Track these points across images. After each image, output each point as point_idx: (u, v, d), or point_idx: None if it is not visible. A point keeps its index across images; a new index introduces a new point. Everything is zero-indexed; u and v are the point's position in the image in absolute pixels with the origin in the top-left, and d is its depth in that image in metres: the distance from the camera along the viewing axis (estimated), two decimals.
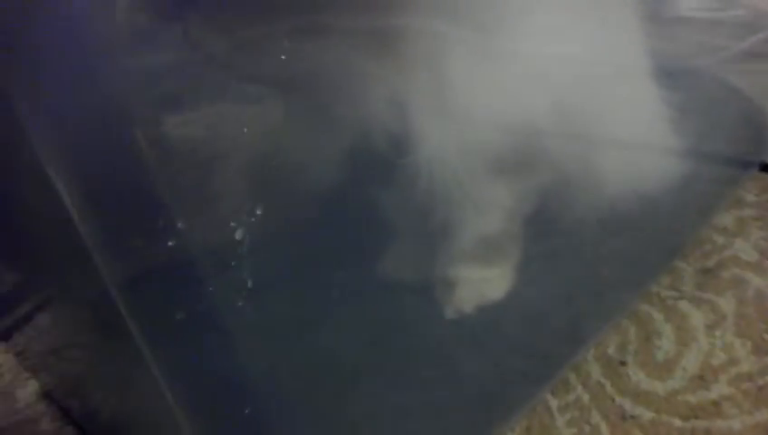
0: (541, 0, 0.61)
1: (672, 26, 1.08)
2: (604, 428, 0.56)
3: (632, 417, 0.56)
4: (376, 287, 0.59)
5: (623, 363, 0.61)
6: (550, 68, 0.59)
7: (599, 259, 0.67)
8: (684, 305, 0.65)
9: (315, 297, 0.52)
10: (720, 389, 0.56)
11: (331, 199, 0.56)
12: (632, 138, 0.70)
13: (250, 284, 0.38)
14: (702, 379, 0.58)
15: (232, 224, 0.37)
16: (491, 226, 0.60)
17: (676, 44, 1.03)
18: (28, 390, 0.71)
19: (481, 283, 0.60)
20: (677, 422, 0.55)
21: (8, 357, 0.74)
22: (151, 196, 0.35)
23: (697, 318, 0.63)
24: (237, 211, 0.38)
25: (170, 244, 0.35)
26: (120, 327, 0.38)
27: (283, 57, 0.47)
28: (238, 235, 0.38)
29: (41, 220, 0.40)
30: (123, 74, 0.38)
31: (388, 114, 0.53)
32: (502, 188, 0.59)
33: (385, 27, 0.51)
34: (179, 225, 0.35)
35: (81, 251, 0.36)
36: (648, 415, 0.56)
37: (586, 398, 0.59)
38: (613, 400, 0.58)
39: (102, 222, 0.34)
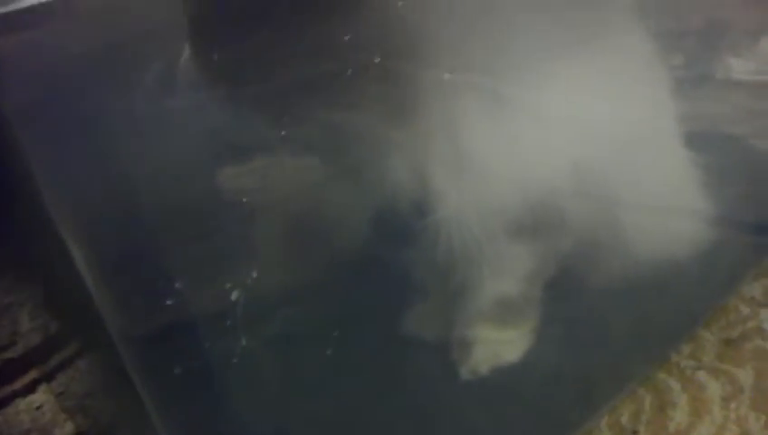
0: (572, 62, 0.62)
1: (721, 89, 1.09)
2: None
3: None
4: (393, 344, 0.61)
5: (635, 433, 0.60)
6: (576, 128, 0.61)
7: (618, 324, 0.67)
8: (702, 376, 0.64)
9: (327, 353, 0.54)
10: None
11: (354, 259, 0.59)
12: (662, 201, 0.70)
13: (244, 342, 0.41)
14: None
15: (227, 285, 0.40)
16: (508, 288, 0.60)
17: (722, 108, 1.03)
18: (65, 430, 0.74)
19: (497, 344, 0.61)
20: None
21: (49, 398, 0.78)
22: (152, 257, 0.38)
23: (714, 389, 0.62)
24: (233, 273, 0.40)
25: (168, 303, 0.38)
26: (128, 379, 0.41)
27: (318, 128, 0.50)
28: (234, 295, 0.40)
29: (61, 277, 0.43)
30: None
31: (410, 178, 0.56)
32: (521, 251, 0.60)
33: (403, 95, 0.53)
34: (177, 285, 0.37)
35: (92, 307, 0.39)
36: None
37: None
38: None
39: (108, 281, 0.37)
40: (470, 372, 0.60)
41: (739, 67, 1.12)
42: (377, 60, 0.45)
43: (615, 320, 0.67)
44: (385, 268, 0.59)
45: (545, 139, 0.59)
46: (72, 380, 0.73)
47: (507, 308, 0.61)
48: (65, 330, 0.68)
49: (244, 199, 0.42)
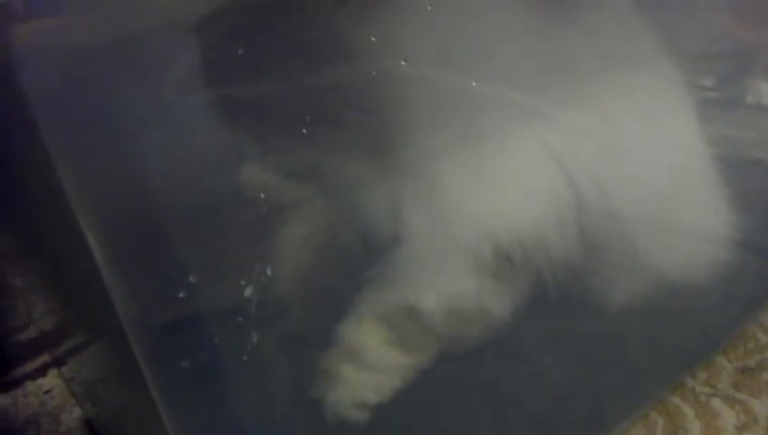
0: (602, 79, 0.61)
1: (751, 114, 1.07)
2: None
3: None
4: None
5: None
6: (600, 145, 0.60)
7: (634, 345, 0.67)
8: (716, 403, 0.63)
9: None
10: None
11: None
12: (684, 223, 0.69)
13: (255, 339, 0.41)
14: None
15: (242, 282, 0.40)
16: (423, 304, 0.55)
17: (750, 133, 1.02)
18: (72, 415, 0.75)
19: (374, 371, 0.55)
20: None
21: (59, 382, 0.78)
22: (167, 249, 0.38)
23: (728, 418, 0.61)
24: (248, 270, 0.40)
25: (181, 295, 0.38)
26: (136, 368, 0.41)
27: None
28: (247, 292, 0.40)
29: (76, 264, 0.43)
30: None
31: (383, 213, 0.54)
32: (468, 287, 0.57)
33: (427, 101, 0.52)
34: (191, 278, 0.37)
35: (105, 295, 0.39)
36: None
37: None
38: None
39: (123, 270, 0.37)
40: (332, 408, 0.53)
41: None
42: (402, 63, 0.45)
43: (631, 341, 0.66)
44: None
45: (568, 153, 0.58)
46: (82, 366, 0.74)
47: (408, 321, 0.55)
48: (78, 316, 0.69)
49: (263, 196, 0.42)
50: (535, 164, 0.57)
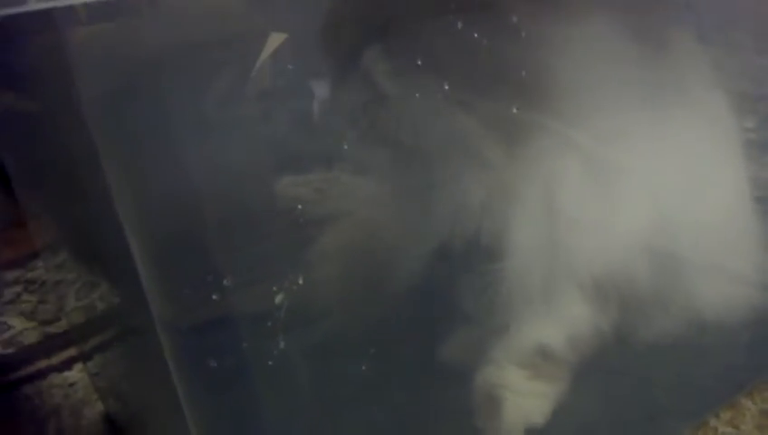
0: (647, 117, 0.61)
1: None
2: None
3: None
4: (427, 371, 0.61)
5: None
6: (646, 184, 0.60)
7: (659, 382, 0.66)
8: None
9: (361, 369, 0.54)
10: None
11: (403, 281, 0.59)
12: (719, 263, 0.69)
13: (282, 345, 0.41)
14: None
15: (274, 288, 0.41)
16: (552, 340, 0.59)
17: None
18: (95, 410, 0.76)
19: (526, 397, 0.59)
20: None
21: (84, 376, 0.80)
22: (204, 252, 0.39)
23: None
24: (280, 278, 0.41)
25: (215, 298, 0.38)
26: (163, 367, 0.42)
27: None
28: (278, 299, 0.41)
29: (113, 261, 0.44)
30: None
31: (487, 210, 0.55)
32: (584, 313, 0.59)
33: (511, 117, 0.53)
34: (225, 282, 0.38)
35: (139, 293, 0.40)
36: None
37: None
38: None
39: (159, 270, 0.38)
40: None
41: None
42: (446, 87, 0.46)
43: (657, 378, 0.66)
44: (433, 293, 0.59)
45: (624, 194, 0.58)
46: (108, 361, 0.75)
47: (544, 359, 0.59)
48: (110, 311, 0.70)
49: (299, 207, 0.42)
50: (634, 201, 0.58)
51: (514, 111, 0.49)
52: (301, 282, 0.42)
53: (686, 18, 0.81)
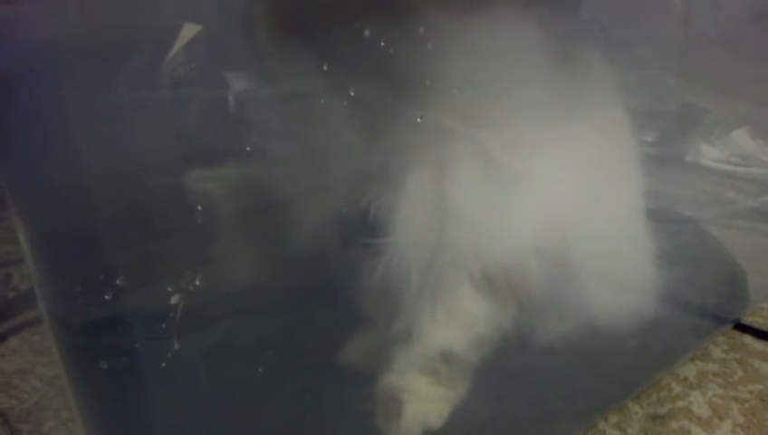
0: (550, 126, 0.63)
1: (690, 173, 1.12)
2: None
3: None
4: (325, 372, 0.61)
5: None
6: (545, 190, 0.62)
7: (551, 384, 0.68)
8: None
9: (257, 371, 0.54)
10: None
11: (306, 281, 0.59)
12: (611, 271, 0.72)
13: (176, 346, 0.41)
14: None
15: (169, 289, 0.40)
16: (453, 343, 0.60)
17: (686, 190, 1.06)
18: None
19: (426, 401, 0.60)
20: None
21: None
22: (98, 249, 0.38)
23: None
24: (177, 278, 0.41)
25: (107, 297, 0.38)
26: (56, 366, 0.41)
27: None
28: (173, 300, 0.41)
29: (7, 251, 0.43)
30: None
31: (378, 206, 0.56)
32: (476, 310, 0.60)
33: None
34: (118, 281, 0.38)
35: (32, 289, 0.39)
36: None
37: None
38: None
39: (50, 266, 0.37)
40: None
41: (709, 154, 1.16)
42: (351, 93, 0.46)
43: (549, 380, 0.68)
44: (337, 295, 0.59)
45: (519, 197, 0.60)
46: (2, 356, 0.73)
47: (446, 364, 0.60)
48: (4, 305, 0.68)
49: (199, 207, 0.42)
50: (527, 204, 0.60)
51: (418, 119, 0.50)
52: (198, 283, 0.42)
53: (594, 35, 0.84)
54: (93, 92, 0.40)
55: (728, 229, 0.95)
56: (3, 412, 0.71)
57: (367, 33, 0.45)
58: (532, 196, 0.58)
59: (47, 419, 0.63)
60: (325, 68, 0.45)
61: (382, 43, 0.46)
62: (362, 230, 0.53)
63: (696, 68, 1.06)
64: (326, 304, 0.62)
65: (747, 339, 0.80)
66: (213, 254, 0.48)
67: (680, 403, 0.71)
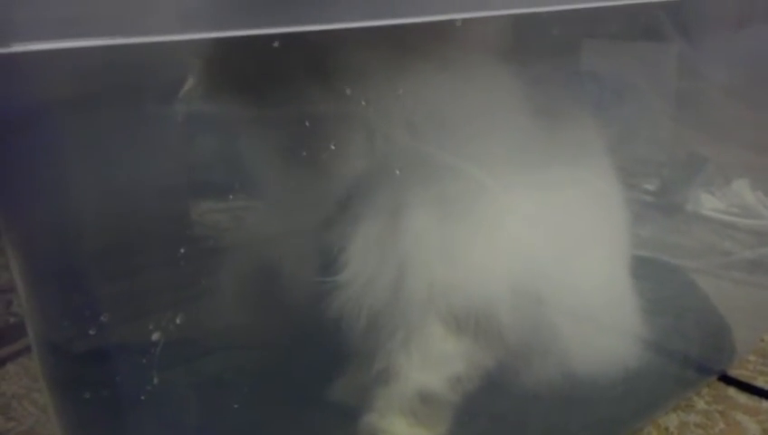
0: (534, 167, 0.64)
1: (687, 222, 1.12)
2: None
3: None
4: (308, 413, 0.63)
5: None
6: (526, 232, 0.63)
7: (532, 430, 0.70)
8: None
9: (234, 407, 0.55)
10: None
11: (296, 320, 0.61)
12: (597, 317, 0.73)
13: (156, 381, 0.43)
14: None
15: (150, 326, 0.43)
16: (430, 383, 0.61)
17: (684, 239, 1.07)
18: None
19: None
20: None
21: None
22: (85, 284, 0.40)
23: None
24: (158, 315, 0.43)
25: (91, 332, 0.40)
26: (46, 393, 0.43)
27: None
28: (154, 337, 0.43)
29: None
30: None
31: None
32: (452, 349, 0.61)
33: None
34: (102, 317, 0.40)
35: (25, 317, 0.41)
36: None
37: None
38: None
39: (38, 293, 0.39)
40: None
41: (709, 204, 1.16)
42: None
43: (530, 424, 0.69)
44: (324, 336, 0.61)
45: (495, 242, 0.61)
46: (2, 379, 0.75)
47: (424, 404, 0.61)
48: (4, 332, 0.70)
49: (182, 250, 0.45)
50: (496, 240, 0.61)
51: (397, 172, 0.52)
52: (178, 321, 0.44)
53: (586, 87, 0.86)
54: (97, 113, 0.42)
55: (722, 280, 0.96)
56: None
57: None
58: (502, 240, 0.59)
59: None
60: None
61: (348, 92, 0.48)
62: (327, 268, 0.55)
63: (698, 116, 1.07)
64: (309, 343, 0.63)
65: (731, 392, 0.81)
66: (200, 288, 0.50)
67: None
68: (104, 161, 0.42)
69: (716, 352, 0.84)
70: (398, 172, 0.53)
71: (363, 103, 0.49)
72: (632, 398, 0.74)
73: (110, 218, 0.42)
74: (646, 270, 0.79)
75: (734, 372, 0.83)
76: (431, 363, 0.61)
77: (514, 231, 0.62)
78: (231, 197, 0.56)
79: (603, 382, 0.70)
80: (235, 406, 0.51)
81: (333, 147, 0.49)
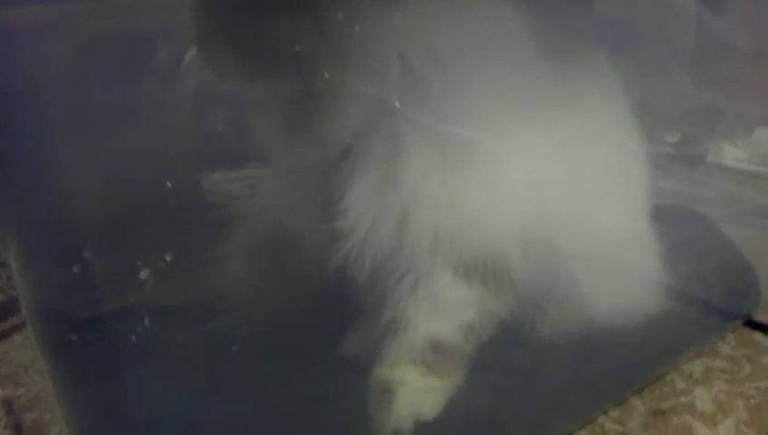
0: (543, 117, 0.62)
1: (710, 173, 1.10)
2: None
3: None
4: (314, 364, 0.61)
5: None
6: (537, 181, 0.61)
7: (552, 378, 0.67)
8: None
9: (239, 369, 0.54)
10: None
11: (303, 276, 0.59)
12: (616, 265, 0.71)
13: (147, 322, 0.41)
14: None
15: (138, 263, 0.41)
16: (442, 332, 0.59)
17: (706, 190, 1.04)
18: None
19: (418, 393, 0.59)
20: None
21: None
22: (66, 221, 0.39)
23: None
24: (147, 253, 0.41)
25: (75, 270, 0.39)
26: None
27: None
28: (143, 274, 0.41)
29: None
30: None
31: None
32: (463, 296, 0.59)
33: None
34: (85, 254, 0.38)
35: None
36: None
37: None
38: None
39: (18, 238, 0.38)
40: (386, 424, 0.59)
41: (731, 154, 1.14)
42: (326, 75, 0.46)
43: (549, 374, 0.67)
44: (323, 289, 0.59)
45: (502, 187, 0.59)
46: (11, 348, 0.75)
47: (436, 353, 0.59)
48: (13, 301, 0.69)
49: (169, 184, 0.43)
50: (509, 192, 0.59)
51: (396, 104, 0.50)
52: (168, 259, 0.42)
53: (600, 33, 0.83)
54: (103, 90, 0.41)
55: (745, 227, 0.93)
56: (8, 402, 0.73)
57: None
58: (508, 184, 0.57)
59: (46, 410, 0.64)
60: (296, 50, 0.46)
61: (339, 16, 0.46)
62: (329, 219, 0.54)
63: (719, 69, 1.04)
64: (315, 298, 0.61)
65: (757, 336, 0.78)
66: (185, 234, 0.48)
67: (684, 399, 0.69)
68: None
69: (741, 297, 0.82)
70: (397, 104, 0.50)
71: (357, 28, 0.47)
72: (655, 345, 0.72)
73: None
74: (668, 217, 0.76)
75: (760, 317, 0.80)
76: (440, 311, 0.59)
77: (521, 173, 0.60)
78: (229, 149, 0.55)
79: (624, 330, 0.68)
80: (245, 364, 0.50)
81: (327, 76, 0.47)
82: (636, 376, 0.71)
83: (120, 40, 0.44)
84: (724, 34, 0.98)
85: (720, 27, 0.98)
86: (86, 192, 0.41)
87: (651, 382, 0.71)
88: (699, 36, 0.97)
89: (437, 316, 0.59)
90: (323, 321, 0.64)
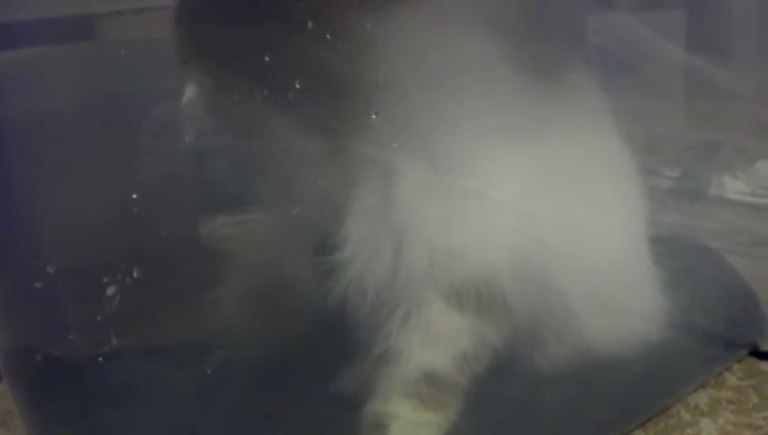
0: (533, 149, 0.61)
1: (712, 206, 1.09)
2: None
3: None
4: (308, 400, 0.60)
5: None
6: (528, 214, 0.60)
7: (552, 413, 0.65)
8: None
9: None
10: None
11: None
12: (617, 298, 0.69)
13: (114, 342, 0.40)
14: None
15: (104, 279, 0.40)
16: (436, 363, 0.57)
17: (709, 223, 1.03)
18: None
19: (413, 427, 0.57)
20: None
21: None
22: (30, 232, 0.38)
23: None
24: (114, 268, 0.40)
25: (37, 286, 0.37)
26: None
27: None
28: (110, 291, 0.40)
29: None
30: None
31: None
32: (456, 326, 0.58)
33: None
34: (49, 269, 0.37)
35: None
36: None
37: None
38: None
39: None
40: None
41: (734, 187, 1.13)
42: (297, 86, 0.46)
43: (547, 406, 0.65)
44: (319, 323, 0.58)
45: (489, 219, 0.58)
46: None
47: (429, 385, 0.57)
48: None
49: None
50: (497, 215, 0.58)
51: (373, 116, 0.49)
52: (135, 275, 0.41)
53: (590, 61, 0.83)
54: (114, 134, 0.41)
55: (749, 258, 0.92)
56: None
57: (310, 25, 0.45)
58: (496, 213, 0.56)
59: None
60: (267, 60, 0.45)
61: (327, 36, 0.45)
62: (322, 251, 0.52)
63: (719, 97, 1.04)
64: (311, 332, 0.61)
65: (764, 366, 0.76)
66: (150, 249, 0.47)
67: (689, 431, 0.67)
68: None
69: (747, 327, 0.80)
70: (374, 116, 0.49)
71: (328, 37, 0.46)
72: (658, 377, 0.70)
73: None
74: (666, 248, 0.75)
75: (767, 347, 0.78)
76: (433, 340, 0.57)
77: (514, 199, 0.59)
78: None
79: (626, 362, 0.66)
80: (239, 398, 0.48)
81: (298, 86, 0.46)
82: (639, 408, 0.69)
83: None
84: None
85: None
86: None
87: (655, 415, 0.69)
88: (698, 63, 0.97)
89: (430, 346, 0.57)
90: (317, 355, 0.62)
